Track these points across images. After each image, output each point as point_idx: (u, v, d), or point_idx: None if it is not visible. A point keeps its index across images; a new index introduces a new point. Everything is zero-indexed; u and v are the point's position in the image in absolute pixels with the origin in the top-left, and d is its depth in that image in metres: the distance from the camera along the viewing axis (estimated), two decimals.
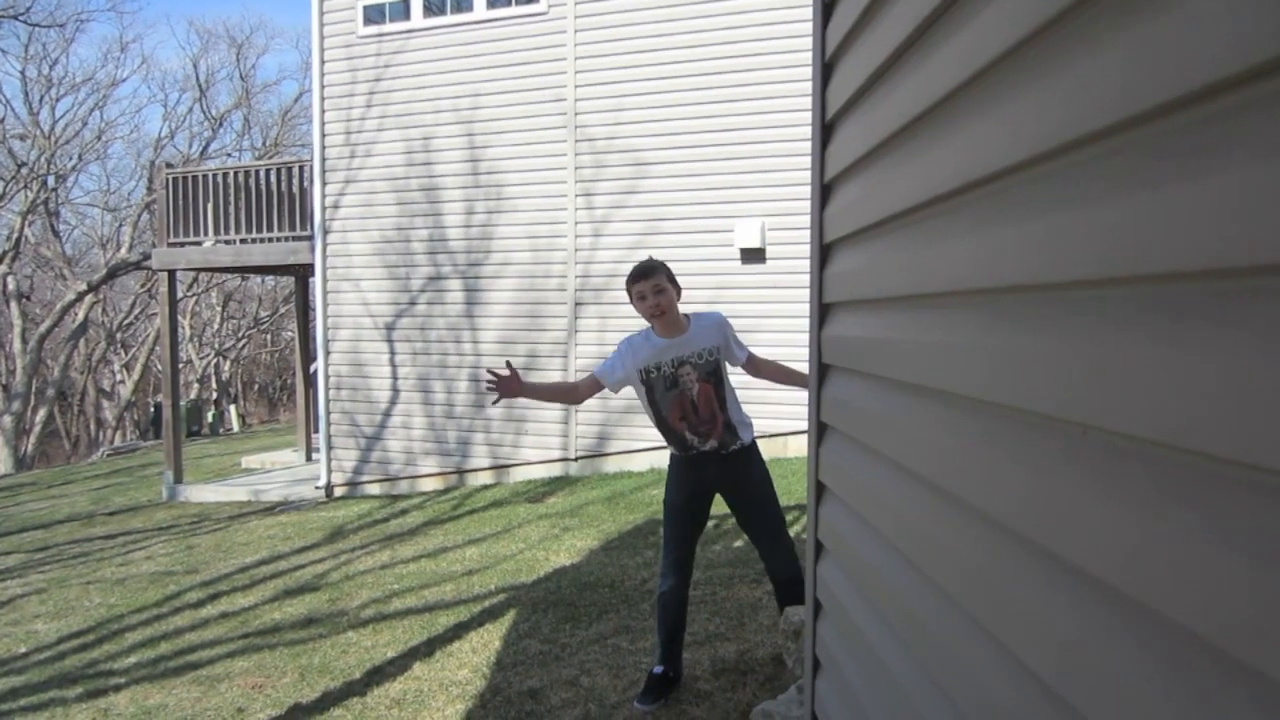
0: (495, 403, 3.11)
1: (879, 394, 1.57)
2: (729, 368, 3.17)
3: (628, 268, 9.72)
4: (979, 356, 1.10)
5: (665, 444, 3.21)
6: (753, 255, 8.30)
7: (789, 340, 7.87)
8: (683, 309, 3.14)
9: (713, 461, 3.11)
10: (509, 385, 2.99)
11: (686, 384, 3.05)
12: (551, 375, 9.03)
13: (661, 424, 3.13)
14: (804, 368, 2.34)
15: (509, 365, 3.03)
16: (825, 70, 1.92)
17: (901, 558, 1.45)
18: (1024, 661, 0.99)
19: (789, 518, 5.74)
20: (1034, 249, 0.95)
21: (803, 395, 2.32)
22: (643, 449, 8.58)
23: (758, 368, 3.25)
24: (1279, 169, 0.59)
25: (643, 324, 3.14)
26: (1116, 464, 0.81)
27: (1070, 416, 0.88)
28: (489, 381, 2.96)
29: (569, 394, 3.25)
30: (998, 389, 1.05)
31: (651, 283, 3.00)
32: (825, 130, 1.95)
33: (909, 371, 1.38)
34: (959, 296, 1.18)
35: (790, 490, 6.42)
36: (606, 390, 3.19)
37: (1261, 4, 0.60)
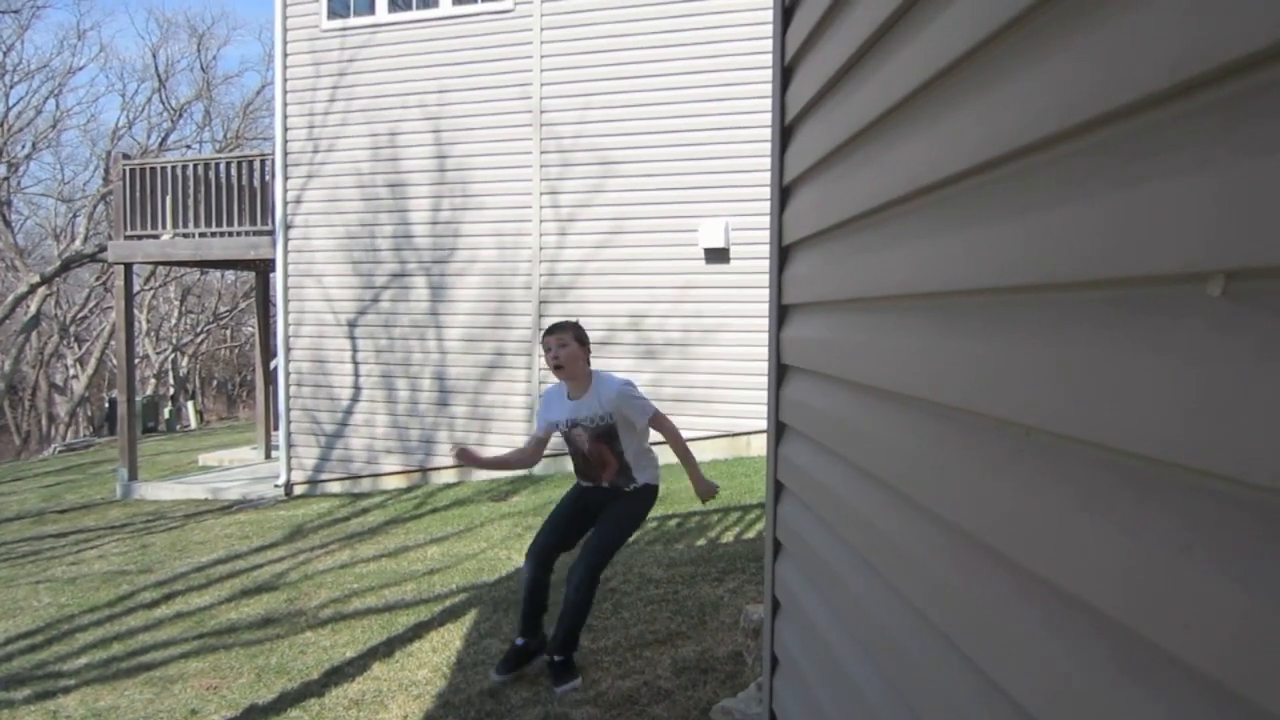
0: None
1: (835, 395, 1.59)
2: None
3: (593, 266, 9.66)
4: (929, 359, 1.12)
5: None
6: (717, 255, 8.33)
7: (752, 340, 7.93)
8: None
9: (602, 492, 3.50)
10: (466, 456, 3.42)
11: (579, 442, 3.44)
12: (517, 373, 9.01)
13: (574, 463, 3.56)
14: (764, 368, 2.36)
15: (463, 449, 3.44)
16: (785, 74, 1.94)
17: (856, 556, 1.47)
18: (972, 658, 1.01)
19: (750, 517, 5.80)
20: (979, 254, 0.97)
21: (764, 395, 2.37)
22: None
23: (660, 425, 3.46)
24: (1212, 178, 0.61)
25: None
26: (1057, 465, 0.83)
27: (1014, 418, 0.90)
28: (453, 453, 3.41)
29: (523, 455, 3.65)
30: (947, 391, 1.07)
31: (555, 338, 3.37)
32: (785, 133, 1.97)
33: (863, 373, 1.40)
34: (911, 300, 1.21)
35: (751, 489, 6.46)
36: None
37: (1191, 21, 0.62)
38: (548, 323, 8.96)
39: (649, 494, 3.52)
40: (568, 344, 3.35)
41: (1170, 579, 0.65)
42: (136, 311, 24.32)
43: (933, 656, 1.13)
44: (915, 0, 1.14)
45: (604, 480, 3.47)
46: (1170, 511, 0.67)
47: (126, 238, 10.81)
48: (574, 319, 3.51)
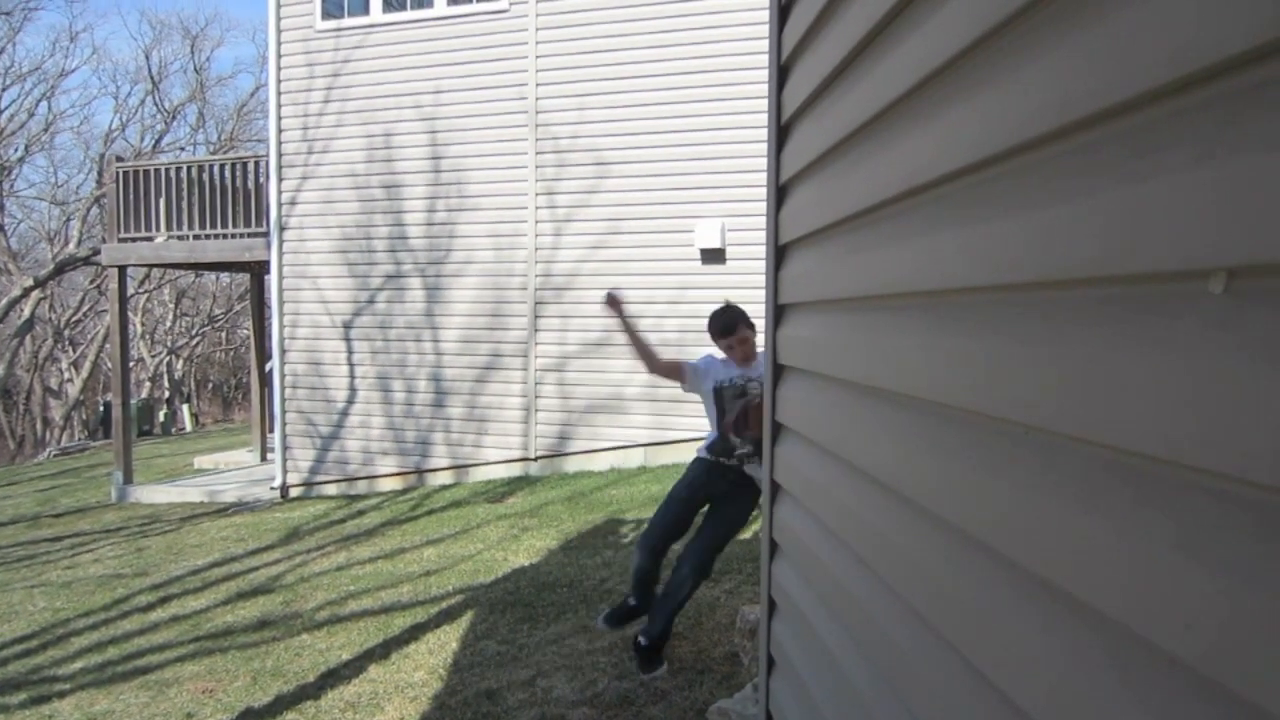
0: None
1: (831, 394, 1.59)
2: None
3: (589, 267, 9.60)
4: (926, 358, 1.12)
5: (700, 439, 3.57)
6: (713, 256, 8.33)
7: None
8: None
9: (728, 476, 3.50)
10: (615, 304, 3.56)
11: (753, 394, 3.46)
12: (513, 374, 8.99)
13: (720, 426, 3.54)
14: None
15: (615, 298, 3.57)
16: (781, 73, 1.94)
17: (853, 556, 1.46)
18: (970, 659, 1.00)
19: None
20: (977, 252, 0.97)
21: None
22: (604, 449, 8.57)
23: None
24: (1212, 174, 0.61)
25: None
26: (1055, 464, 0.83)
27: (1012, 417, 0.90)
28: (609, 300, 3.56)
29: (651, 357, 3.66)
30: (944, 391, 1.06)
31: (738, 336, 3.48)
32: (781, 132, 1.97)
33: (860, 372, 1.40)
34: (908, 298, 1.20)
35: None
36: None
37: (1190, 17, 0.62)
38: (544, 323, 9.00)
39: (757, 497, 3.56)
40: (748, 339, 3.50)
41: (1170, 578, 0.65)
42: (131, 314, 24.25)
43: (930, 657, 1.12)
44: None
45: (749, 436, 3.44)
46: (1170, 510, 0.66)
47: (120, 240, 10.78)
48: (738, 306, 3.57)
